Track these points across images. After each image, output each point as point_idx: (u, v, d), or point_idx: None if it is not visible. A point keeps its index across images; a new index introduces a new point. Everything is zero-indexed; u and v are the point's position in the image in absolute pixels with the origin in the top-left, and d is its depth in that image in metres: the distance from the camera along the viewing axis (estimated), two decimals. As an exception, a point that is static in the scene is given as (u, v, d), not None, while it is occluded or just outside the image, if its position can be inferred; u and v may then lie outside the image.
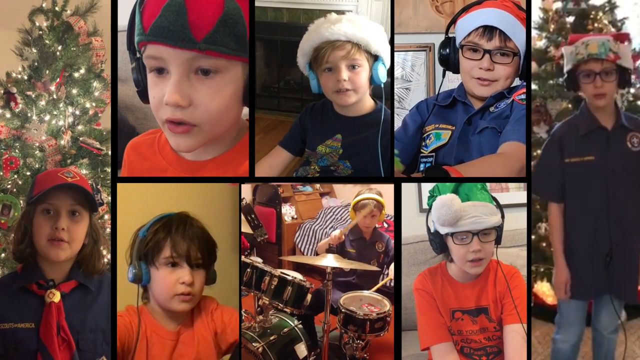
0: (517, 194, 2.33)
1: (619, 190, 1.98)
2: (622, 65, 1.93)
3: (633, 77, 3.17)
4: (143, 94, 1.43)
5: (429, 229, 1.67)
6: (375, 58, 1.67)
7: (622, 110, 2.05)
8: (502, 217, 1.65)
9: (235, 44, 1.30)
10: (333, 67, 1.65)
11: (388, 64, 1.69)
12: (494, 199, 1.67)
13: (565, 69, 2.03)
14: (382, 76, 1.68)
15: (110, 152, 2.66)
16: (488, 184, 1.67)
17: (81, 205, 1.56)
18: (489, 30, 1.61)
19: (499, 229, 1.63)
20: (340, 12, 1.67)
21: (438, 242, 1.66)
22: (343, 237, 2.38)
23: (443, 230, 1.63)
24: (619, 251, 1.99)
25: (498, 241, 1.64)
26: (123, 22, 1.63)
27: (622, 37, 1.97)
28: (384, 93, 1.70)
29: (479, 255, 1.60)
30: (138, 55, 1.39)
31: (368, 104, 1.74)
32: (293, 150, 1.83)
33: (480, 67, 1.63)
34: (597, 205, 1.99)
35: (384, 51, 1.67)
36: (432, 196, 1.65)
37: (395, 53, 1.68)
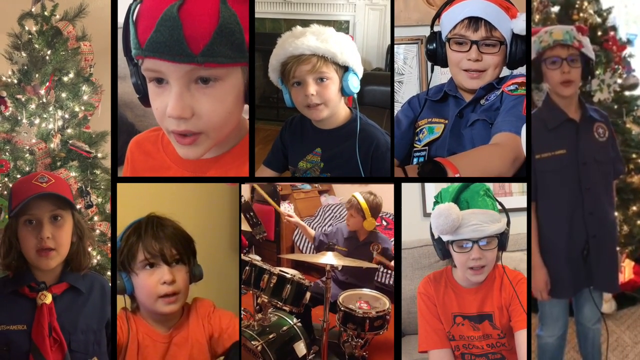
0: (520, 198, 2.32)
1: (592, 181, 1.97)
2: (585, 54, 1.93)
3: (620, 67, 3.18)
4: (144, 100, 1.43)
5: (432, 235, 1.67)
6: (345, 69, 1.61)
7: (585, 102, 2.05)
8: (508, 223, 1.63)
9: (233, 52, 1.29)
10: (301, 81, 1.60)
11: (360, 74, 1.65)
12: (500, 203, 1.65)
13: None
14: (354, 87, 1.62)
15: (102, 154, 2.70)
16: (491, 188, 1.66)
17: (62, 208, 1.54)
18: (474, 22, 1.60)
19: (502, 236, 1.61)
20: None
21: (441, 248, 1.65)
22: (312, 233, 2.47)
23: (444, 238, 1.63)
24: (596, 242, 1.98)
25: (502, 247, 1.63)
26: (122, 19, 1.62)
27: (583, 30, 1.98)
28: (357, 103, 1.67)
29: (480, 262, 1.59)
30: (135, 62, 1.37)
31: (343, 114, 1.68)
32: (277, 168, 1.79)
33: (468, 59, 1.63)
34: (571, 200, 1.97)
35: (354, 61, 1.62)
36: (436, 202, 1.65)
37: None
